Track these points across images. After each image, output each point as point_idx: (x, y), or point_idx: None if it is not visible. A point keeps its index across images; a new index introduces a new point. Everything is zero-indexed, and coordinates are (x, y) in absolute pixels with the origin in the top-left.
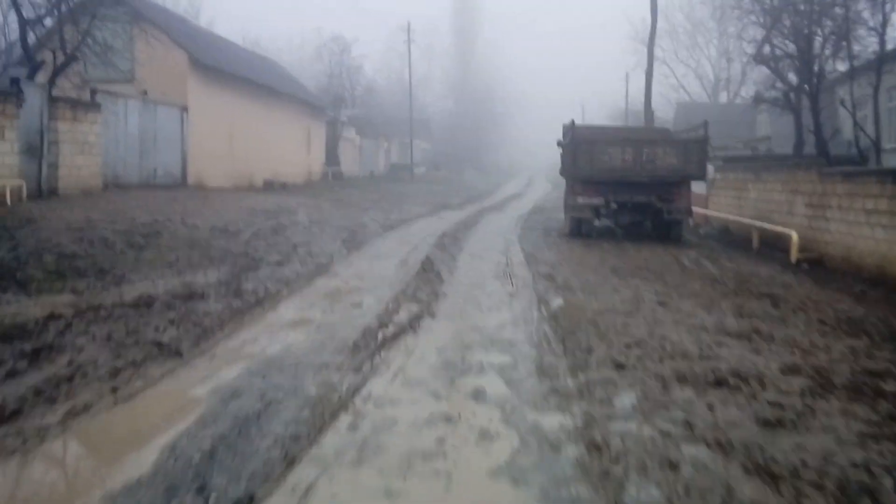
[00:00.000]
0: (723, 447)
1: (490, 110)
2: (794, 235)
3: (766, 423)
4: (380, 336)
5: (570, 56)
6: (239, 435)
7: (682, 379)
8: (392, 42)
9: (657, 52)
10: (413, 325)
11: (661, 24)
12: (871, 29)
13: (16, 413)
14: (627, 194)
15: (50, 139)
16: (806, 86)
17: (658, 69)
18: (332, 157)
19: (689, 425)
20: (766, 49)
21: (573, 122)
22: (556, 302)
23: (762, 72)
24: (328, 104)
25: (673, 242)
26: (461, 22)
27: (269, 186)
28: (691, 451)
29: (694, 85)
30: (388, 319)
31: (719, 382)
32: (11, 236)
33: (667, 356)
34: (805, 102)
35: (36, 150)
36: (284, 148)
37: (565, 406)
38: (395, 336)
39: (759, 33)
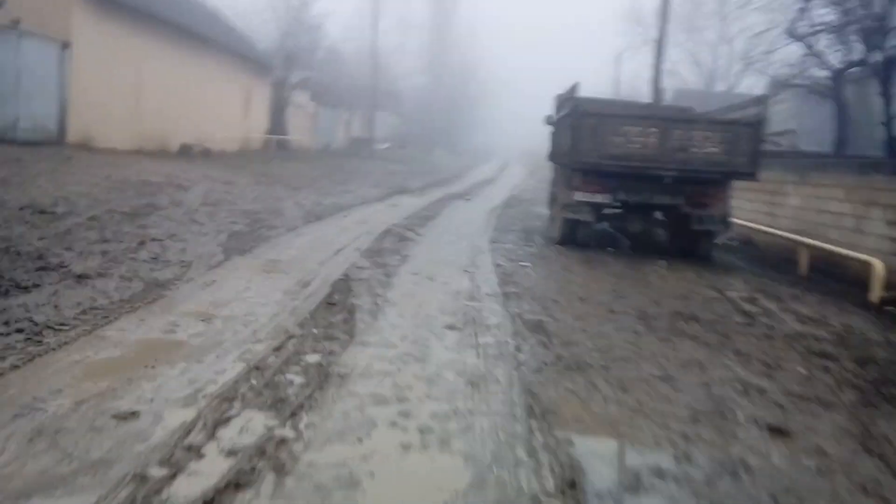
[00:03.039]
0: None
1: (466, 89)
2: (878, 265)
3: None
4: None
5: (554, 37)
6: None
7: None
8: (361, 7)
9: (651, 33)
10: None
11: (656, 2)
12: None
13: None
14: (646, 192)
15: None
16: (853, 69)
17: (651, 53)
18: (277, 123)
19: None
20: (802, 25)
21: (575, 87)
22: (566, 414)
23: (786, 54)
24: (279, 63)
25: (700, 261)
26: None
27: (186, 152)
28: None
29: (690, 72)
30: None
31: None
32: None
33: None
34: (852, 90)
35: None
36: (215, 108)
37: None
38: None
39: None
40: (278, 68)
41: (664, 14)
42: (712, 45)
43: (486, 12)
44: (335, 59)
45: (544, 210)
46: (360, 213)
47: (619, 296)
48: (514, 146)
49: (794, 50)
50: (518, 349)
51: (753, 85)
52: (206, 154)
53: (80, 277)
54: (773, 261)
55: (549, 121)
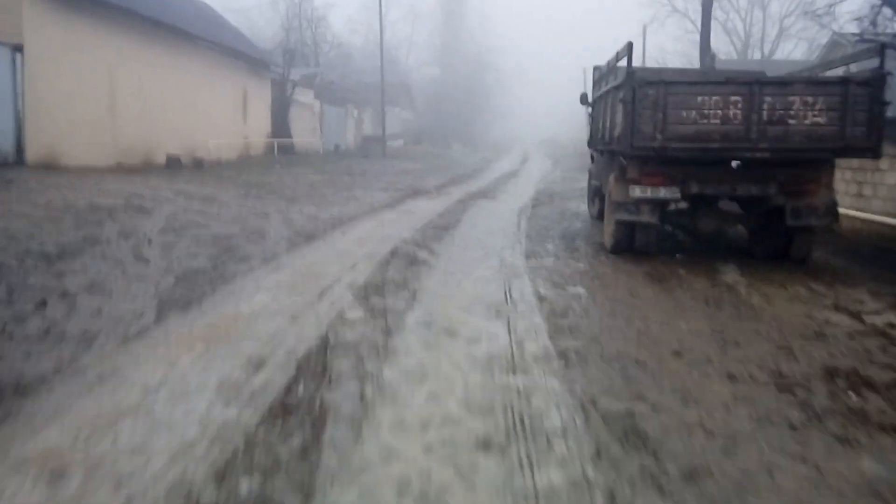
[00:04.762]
0: None
1: (481, 80)
2: None
3: None
4: None
5: (570, 21)
6: None
7: None
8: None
9: (678, 3)
10: None
11: None
12: None
13: None
14: (726, 182)
15: None
16: None
17: (678, 23)
18: (280, 125)
19: None
20: None
21: (628, 49)
22: None
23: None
24: (280, 60)
25: (796, 264)
26: None
27: (174, 165)
28: None
29: (721, 42)
30: None
31: None
32: None
33: None
34: None
35: None
36: (207, 113)
37: None
38: None
39: None
40: (279, 65)
41: None
42: (745, 11)
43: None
44: (341, 53)
45: (581, 206)
46: (364, 226)
47: (726, 341)
48: (534, 136)
49: (860, 1)
50: (612, 498)
51: (792, 51)
52: (198, 165)
53: None
54: (873, 254)
55: (585, 100)
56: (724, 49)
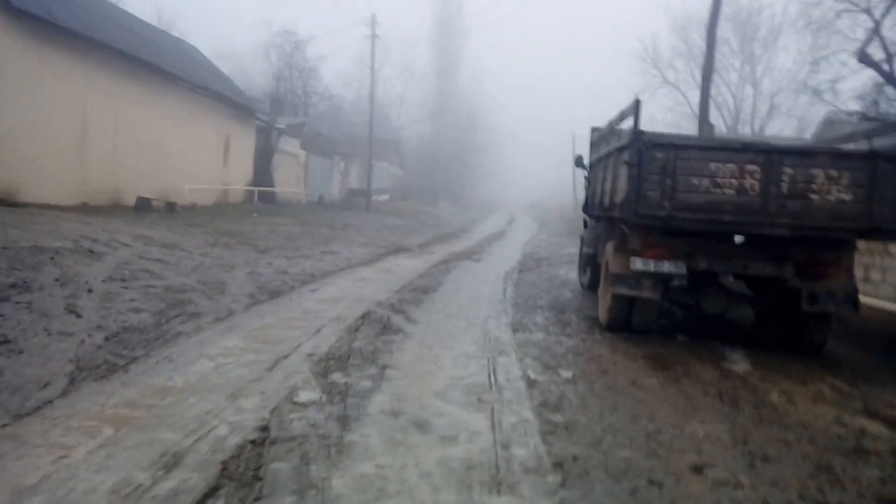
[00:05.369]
0: None
1: (471, 140)
2: None
3: None
4: None
5: (560, 86)
6: None
7: None
8: (361, 54)
9: (669, 74)
10: None
11: (677, 44)
12: None
13: None
14: (736, 258)
15: None
16: None
17: (669, 94)
18: (263, 173)
19: None
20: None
21: (636, 106)
22: None
23: (853, 83)
24: (267, 107)
25: (809, 355)
26: (440, 38)
27: (144, 207)
28: None
29: (712, 115)
30: None
31: None
32: None
33: None
34: None
35: None
36: (184, 155)
37: None
38: None
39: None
40: (265, 113)
41: (710, 38)
42: (736, 87)
43: (491, 62)
44: (332, 105)
45: (570, 273)
46: (337, 284)
47: (753, 454)
48: (520, 197)
49: (863, 79)
50: None
51: (782, 128)
52: (170, 209)
53: None
54: (889, 346)
55: (580, 162)
56: (714, 122)
